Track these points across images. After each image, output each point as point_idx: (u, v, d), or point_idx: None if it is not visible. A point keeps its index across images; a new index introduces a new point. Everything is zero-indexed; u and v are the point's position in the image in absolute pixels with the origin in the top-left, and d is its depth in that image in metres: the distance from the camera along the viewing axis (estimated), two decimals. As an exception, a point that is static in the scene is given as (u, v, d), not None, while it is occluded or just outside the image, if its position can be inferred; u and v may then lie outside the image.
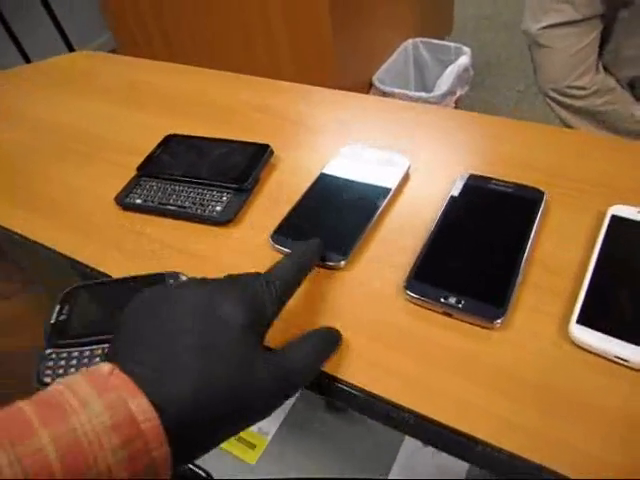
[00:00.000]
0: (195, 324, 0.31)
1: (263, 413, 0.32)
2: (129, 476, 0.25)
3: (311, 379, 0.35)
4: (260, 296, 0.34)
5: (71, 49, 2.19)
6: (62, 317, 0.44)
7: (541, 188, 0.46)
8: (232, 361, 0.30)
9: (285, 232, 0.48)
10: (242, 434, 0.79)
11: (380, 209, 0.48)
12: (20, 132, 0.74)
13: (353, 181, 0.52)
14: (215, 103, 0.72)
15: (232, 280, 0.35)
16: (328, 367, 0.38)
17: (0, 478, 0.23)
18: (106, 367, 0.28)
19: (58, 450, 0.24)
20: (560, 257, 0.42)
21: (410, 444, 0.71)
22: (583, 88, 1.22)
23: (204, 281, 0.35)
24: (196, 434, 0.29)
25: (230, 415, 0.30)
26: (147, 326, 0.32)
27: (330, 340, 0.38)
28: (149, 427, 0.26)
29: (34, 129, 0.74)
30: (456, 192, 0.48)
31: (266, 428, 0.81)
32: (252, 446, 0.80)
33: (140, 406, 0.26)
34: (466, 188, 0.48)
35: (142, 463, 0.26)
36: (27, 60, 2.18)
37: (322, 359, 0.36)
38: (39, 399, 0.27)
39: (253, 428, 0.79)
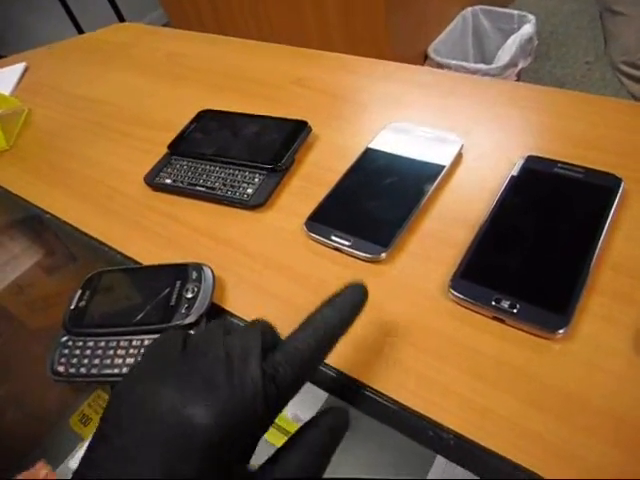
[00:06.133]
0: (157, 440, 0.22)
1: None
2: None
3: None
4: (250, 399, 0.23)
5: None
6: (82, 303, 0.42)
7: (617, 174, 0.40)
8: None
9: (321, 219, 0.44)
10: (277, 420, 0.77)
11: (427, 195, 0.43)
12: (56, 108, 0.73)
13: (399, 161, 0.47)
14: (254, 76, 0.68)
15: (218, 359, 0.24)
16: (355, 371, 0.34)
17: None
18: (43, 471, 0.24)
19: None
20: (637, 258, 0.36)
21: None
22: None
23: (178, 374, 0.24)
24: None
25: None
26: (108, 435, 0.23)
27: (334, 435, 0.26)
28: None
29: (70, 105, 0.73)
30: (515, 177, 0.42)
31: (302, 415, 0.78)
32: (286, 433, 0.78)
33: None
34: (527, 173, 0.42)
35: None
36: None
37: (325, 464, 0.26)
38: None
39: (287, 414, 0.77)
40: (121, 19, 2.20)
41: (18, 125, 0.70)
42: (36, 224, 0.81)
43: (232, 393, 0.23)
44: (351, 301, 0.29)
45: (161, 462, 0.21)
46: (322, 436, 0.26)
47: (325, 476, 0.27)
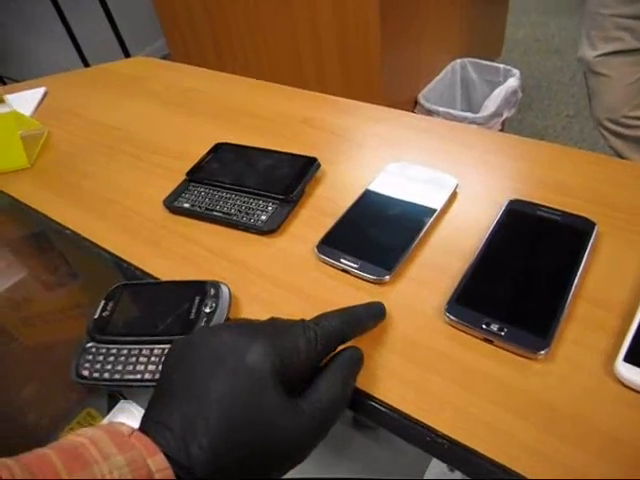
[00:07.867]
0: (222, 374, 0.31)
1: (298, 459, 0.31)
2: None
3: (344, 409, 0.34)
4: (295, 340, 0.33)
5: (126, 53, 2.27)
6: (105, 313, 0.45)
7: (592, 219, 0.45)
8: (259, 413, 0.30)
9: (331, 243, 0.48)
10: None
11: (426, 227, 0.48)
12: (75, 132, 0.77)
13: (399, 198, 0.52)
14: (262, 113, 0.73)
15: (270, 323, 0.35)
16: (361, 383, 0.38)
17: None
18: (125, 428, 0.29)
19: None
20: (610, 292, 0.41)
21: (436, 470, 0.70)
22: None
23: (237, 325, 0.35)
24: None
25: (260, 468, 0.30)
26: (176, 379, 0.32)
27: (353, 362, 0.36)
28: (163, 476, 0.27)
29: (86, 129, 0.77)
30: (503, 217, 0.47)
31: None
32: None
33: (158, 464, 0.27)
34: (514, 213, 0.48)
35: None
36: (85, 62, 2.28)
37: (350, 384, 0.35)
38: (63, 447, 0.28)
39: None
40: (124, 48, 2.27)
41: (39, 145, 0.73)
42: (42, 241, 0.84)
43: (282, 334, 0.33)
44: (376, 309, 0.40)
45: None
46: (342, 361, 0.36)
47: (324, 476, 0.32)
